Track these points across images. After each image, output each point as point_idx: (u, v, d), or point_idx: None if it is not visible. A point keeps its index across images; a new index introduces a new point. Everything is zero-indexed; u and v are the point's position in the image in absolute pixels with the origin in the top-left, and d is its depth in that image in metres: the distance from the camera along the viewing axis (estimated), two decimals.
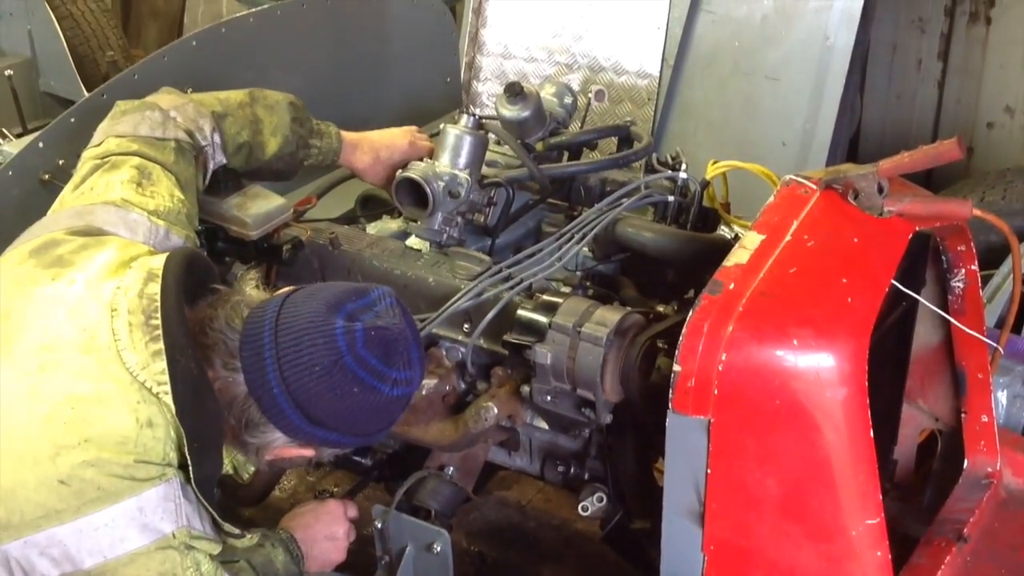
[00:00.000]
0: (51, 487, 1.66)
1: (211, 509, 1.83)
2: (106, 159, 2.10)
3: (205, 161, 2.26)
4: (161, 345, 1.74)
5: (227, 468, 2.24)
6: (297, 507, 2.32)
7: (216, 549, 1.87)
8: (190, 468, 1.76)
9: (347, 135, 2.51)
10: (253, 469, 2.30)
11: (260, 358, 1.77)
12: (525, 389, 2.19)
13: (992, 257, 2.98)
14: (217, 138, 2.26)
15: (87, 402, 1.70)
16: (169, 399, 1.72)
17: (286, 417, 1.79)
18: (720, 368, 1.83)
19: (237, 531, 1.94)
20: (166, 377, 1.73)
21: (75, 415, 1.69)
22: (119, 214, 1.99)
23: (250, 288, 1.91)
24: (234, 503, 2.93)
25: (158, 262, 1.85)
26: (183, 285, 1.82)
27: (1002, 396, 2.81)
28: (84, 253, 1.87)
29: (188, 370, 1.75)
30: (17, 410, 1.70)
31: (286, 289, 1.89)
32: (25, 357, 1.73)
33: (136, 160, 2.09)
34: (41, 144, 2.42)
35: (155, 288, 1.79)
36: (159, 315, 1.76)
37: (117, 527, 1.70)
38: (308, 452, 1.92)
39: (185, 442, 1.74)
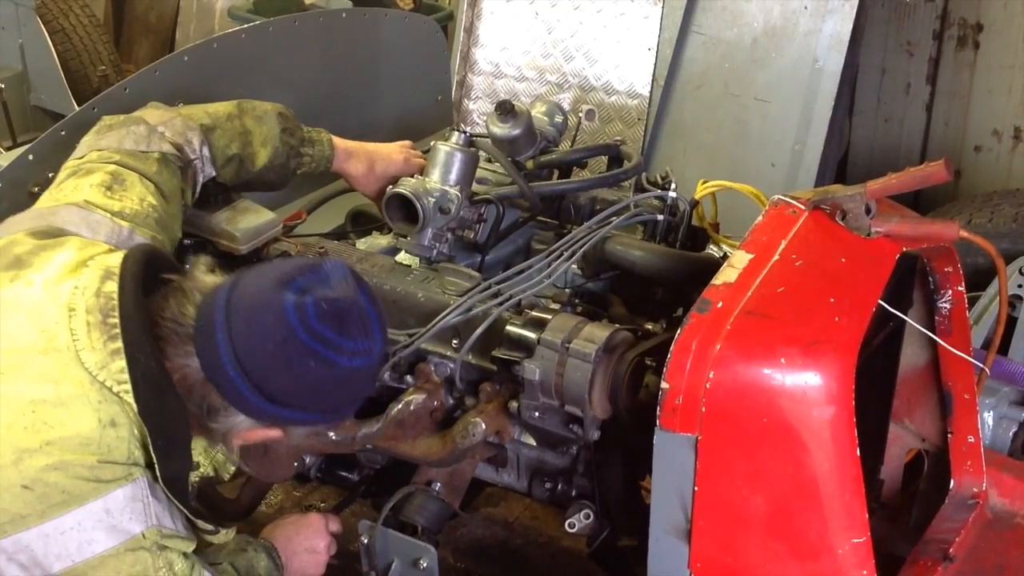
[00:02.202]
0: (15, 492, 1.65)
1: (182, 507, 1.81)
2: (83, 167, 2.09)
3: (194, 175, 2.25)
4: (120, 344, 1.72)
5: (207, 469, 2.22)
6: (279, 519, 2.30)
7: (190, 547, 1.85)
8: (156, 466, 1.74)
9: (341, 142, 2.50)
10: (234, 469, 2.28)
11: (213, 341, 1.73)
12: (513, 405, 2.19)
13: (978, 279, 3.00)
14: (206, 151, 2.26)
15: (47, 405, 1.69)
16: (130, 397, 1.71)
17: (245, 399, 1.76)
18: (708, 386, 1.83)
19: (211, 527, 1.91)
20: (126, 376, 1.71)
21: (36, 419, 1.68)
22: (81, 214, 1.98)
23: (202, 273, 1.86)
24: (221, 518, 2.93)
25: (116, 259, 1.82)
26: (141, 282, 1.79)
27: (988, 417, 2.82)
28: (43, 254, 1.85)
29: (148, 368, 1.73)
30: None
31: (238, 271, 1.85)
32: None
33: (112, 167, 2.08)
34: (31, 157, 2.41)
35: (112, 286, 1.77)
36: (117, 313, 1.74)
37: (84, 530, 1.68)
38: (275, 434, 1.88)
39: (149, 440, 1.72)
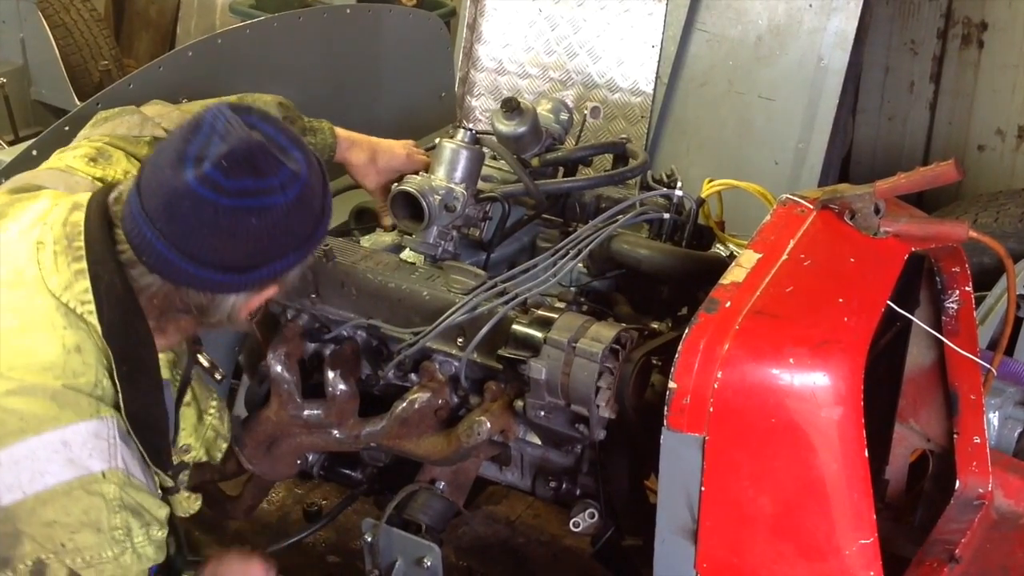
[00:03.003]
0: None
1: (144, 454, 1.74)
2: (70, 146, 2.08)
3: None
4: (83, 264, 1.69)
5: (199, 452, 2.14)
6: (219, 556, 2.16)
7: (159, 511, 1.76)
8: (120, 396, 1.69)
9: (343, 132, 2.49)
10: (225, 446, 2.22)
11: (154, 251, 1.66)
12: (518, 404, 2.18)
13: (984, 279, 2.99)
14: None
15: (12, 334, 1.66)
16: (95, 319, 1.68)
17: (220, 283, 1.70)
18: (716, 386, 1.83)
19: (171, 483, 1.85)
20: (90, 296, 1.68)
21: (2, 348, 1.65)
22: (61, 177, 1.95)
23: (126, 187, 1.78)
24: (223, 515, 2.92)
25: (84, 197, 1.79)
26: (107, 211, 1.74)
27: (994, 417, 2.81)
28: (18, 205, 1.83)
29: (112, 285, 1.69)
30: None
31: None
32: None
33: (99, 144, 2.06)
34: (35, 152, 2.40)
35: (79, 216, 1.74)
36: (82, 237, 1.71)
37: (38, 459, 1.62)
38: (271, 291, 1.80)
39: (114, 366, 1.68)
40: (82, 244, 1.71)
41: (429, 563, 2.27)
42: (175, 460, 1.94)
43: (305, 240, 1.76)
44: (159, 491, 1.82)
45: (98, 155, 2.03)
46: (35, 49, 5.45)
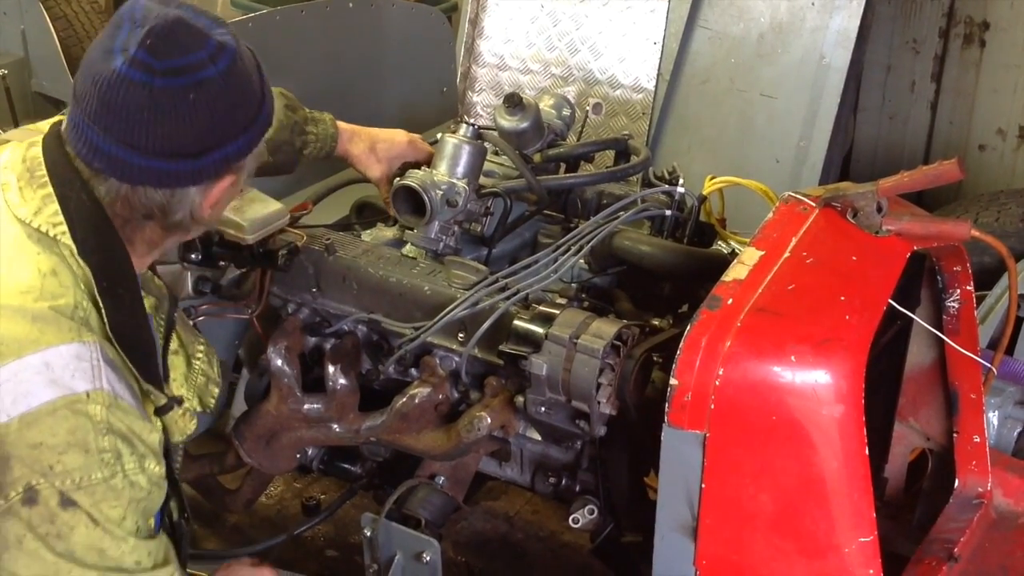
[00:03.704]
0: None
1: (134, 371, 1.73)
2: None
3: None
4: (50, 189, 1.69)
5: (193, 401, 2.11)
6: (231, 565, 2.16)
7: (150, 434, 1.73)
8: (104, 315, 1.68)
9: (344, 125, 2.50)
10: (217, 391, 2.19)
11: (103, 152, 1.65)
12: (519, 400, 2.18)
13: (985, 278, 3.00)
14: None
15: None
16: (68, 239, 1.67)
17: (174, 173, 1.67)
18: (717, 383, 1.83)
19: (163, 400, 1.82)
20: (60, 217, 1.67)
21: None
22: (29, 132, 1.93)
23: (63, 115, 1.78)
24: (222, 509, 2.93)
25: (39, 137, 1.78)
26: (62, 141, 1.73)
27: (993, 417, 2.82)
28: None
29: (81, 202, 1.68)
30: None
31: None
32: None
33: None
34: None
35: (36, 150, 1.74)
36: (43, 166, 1.71)
37: (20, 381, 1.59)
38: (228, 181, 1.78)
39: (93, 282, 1.67)
40: (44, 172, 1.71)
41: (428, 558, 2.26)
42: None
43: (251, 122, 1.75)
44: (151, 417, 1.79)
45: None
46: (36, 41, 5.44)
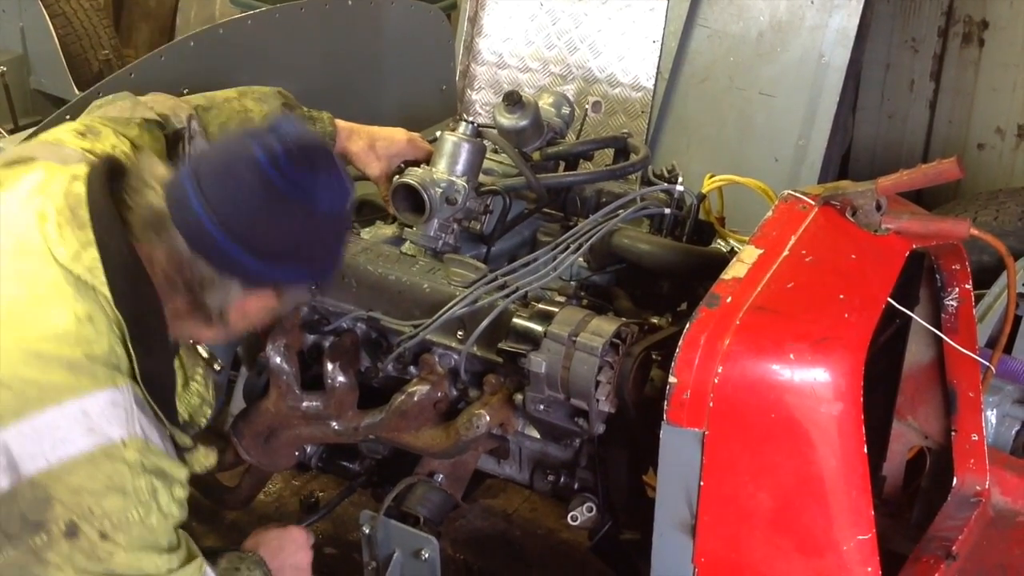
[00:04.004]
0: None
1: (161, 415, 1.77)
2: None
3: (183, 146, 2.23)
4: (91, 234, 1.71)
5: (182, 415, 2.11)
6: (260, 532, 2.23)
7: (179, 473, 1.79)
8: (134, 361, 1.71)
9: (342, 123, 2.51)
10: (210, 412, 2.22)
11: (190, 209, 1.70)
12: (518, 397, 2.18)
13: (983, 277, 3.00)
14: (195, 125, 2.24)
15: (23, 303, 1.67)
16: (105, 288, 1.69)
17: (233, 259, 1.73)
18: (716, 381, 1.83)
19: (189, 442, 1.88)
20: (99, 264, 1.70)
21: (12, 318, 1.66)
22: (52, 149, 1.96)
23: (153, 166, 1.84)
24: (220, 506, 2.92)
25: (82, 169, 1.82)
26: (107, 180, 1.78)
27: (991, 415, 2.82)
28: (12, 175, 1.84)
29: (120, 253, 1.71)
30: None
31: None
32: None
33: (89, 121, 2.08)
34: None
35: (80, 187, 1.76)
36: (86, 207, 1.73)
37: (59, 428, 1.64)
38: (271, 301, 1.85)
39: (126, 331, 1.70)
40: (86, 213, 1.73)
41: (427, 555, 2.27)
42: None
43: (320, 261, 1.85)
44: (175, 452, 1.84)
45: (87, 130, 2.04)
46: (35, 38, 5.44)
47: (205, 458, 1.95)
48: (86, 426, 1.65)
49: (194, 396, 2.14)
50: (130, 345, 1.71)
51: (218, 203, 1.70)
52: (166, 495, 1.75)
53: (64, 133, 2.02)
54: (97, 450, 1.66)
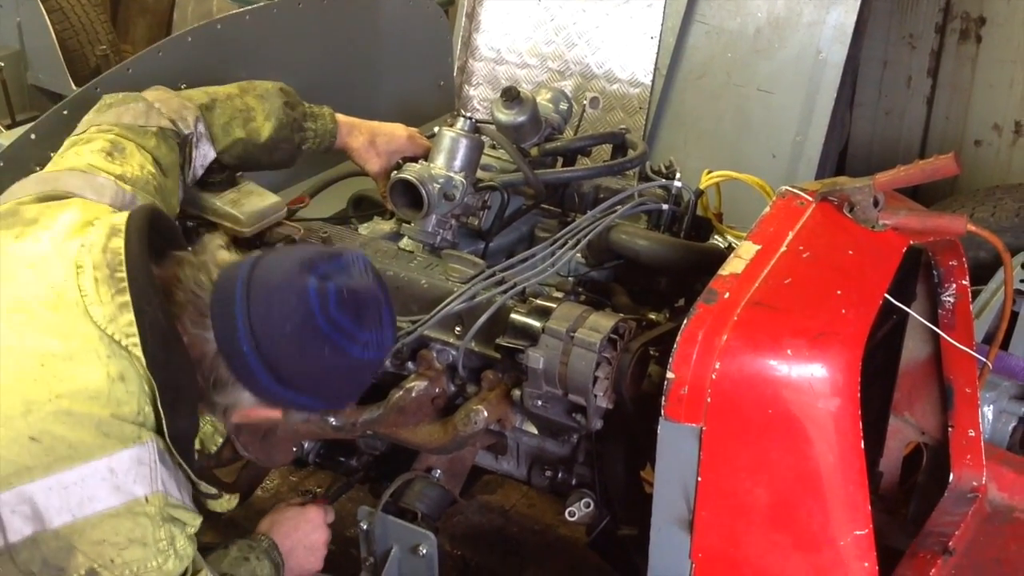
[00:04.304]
0: (22, 444, 1.64)
1: (188, 469, 1.81)
2: (82, 138, 2.11)
3: (191, 151, 2.26)
4: (128, 297, 1.72)
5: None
6: (277, 510, 2.29)
7: (196, 521, 1.84)
8: (164, 423, 1.73)
9: (343, 118, 2.51)
10: (220, 441, 2.26)
11: (231, 314, 1.74)
12: (516, 393, 2.18)
13: (980, 273, 3.00)
14: (201, 127, 2.27)
15: (57, 358, 1.68)
16: (139, 351, 1.71)
17: (254, 376, 1.76)
18: (713, 376, 1.83)
19: (214, 490, 1.92)
20: (134, 328, 1.71)
21: (45, 371, 1.67)
22: (85, 178, 1.99)
23: (216, 248, 1.87)
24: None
25: (120, 218, 1.83)
26: (147, 239, 1.80)
27: (988, 411, 2.82)
28: (48, 212, 1.86)
29: (156, 320, 1.73)
30: None
31: (257, 252, 1.86)
32: None
33: (112, 136, 2.10)
34: (33, 136, 2.40)
35: (119, 243, 1.77)
36: (124, 268, 1.74)
37: (87, 486, 1.67)
38: (275, 414, 1.89)
39: (158, 395, 1.72)
40: (124, 275, 1.74)
41: (425, 551, 2.27)
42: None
43: (337, 399, 1.92)
44: (192, 499, 1.88)
45: (113, 148, 2.07)
46: (32, 33, 5.43)
47: (228, 503, 1.99)
48: (112, 484, 1.69)
49: (207, 424, 2.18)
50: (160, 407, 1.73)
51: (258, 321, 1.73)
52: (182, 539, 1.80)
53: (93, 155, 2.04)
54: (122, 507, 1.70)
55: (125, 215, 1.84)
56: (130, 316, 1.72)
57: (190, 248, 1.88)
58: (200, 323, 1.77)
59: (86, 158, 2.04)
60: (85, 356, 1.70)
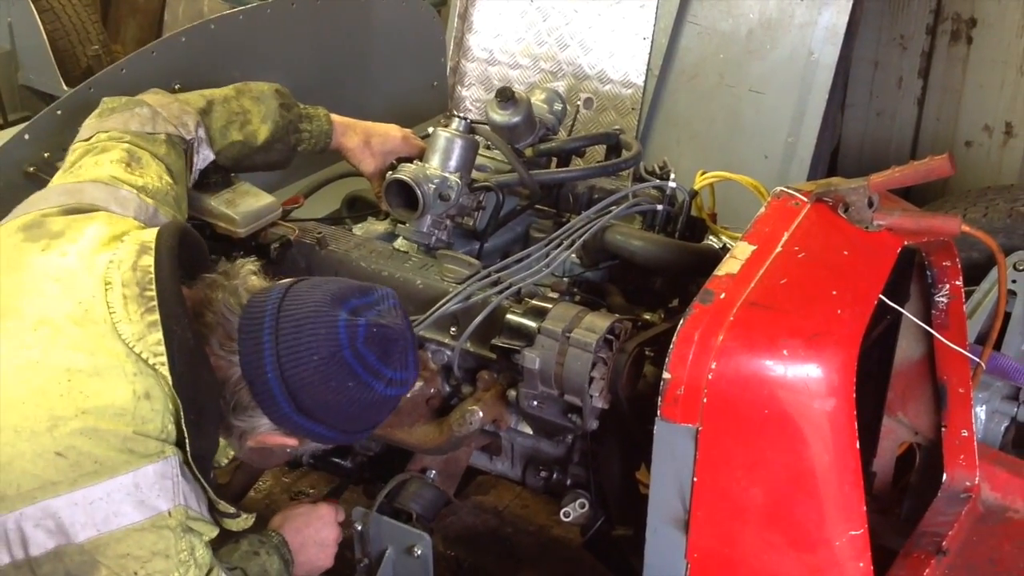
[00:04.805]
0: (48, 459, 1.65)
1: (207, 487, 1.83)
2: (95, 146, 2.11)
3: (192, 156, 2.26)
4: (157, 316, 1.73)
5: None
6: (289, 508, 2.30)
7: (213, 532, 1.86)
8: (187, 442, 1.75)
9: (338, 119, 2.51)
10: (232, 454, 2.28)
11: (258, 342, 1.76)
12: (511, 394, 2.18)
13: (972, 273, 3.01)
14: (202, 132, 2.27)
15: (84, 374, 1.69)
16: (166, 370, 1.72)
17: (276, 404, 1.79)
18: (710, 377, 1.83)
19: (232, 510, 1.92)
20: (162, 348, 1.72)
21: (72, 387, 1.68)
22: (109, 190, 1.99)
23: (248, 273, 1.89)
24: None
25: (150, 235, 1.84)
26: (176, 258, 1.82)
27: (981, 411, 2.83)
28: (74, 225, 1.87)
29: (184, 340, 1.74)
30: (13, 383, 1.68)
31: (289, 279, 1.88)
32: (20, 331, 1.72)
33: (126, 145, 2.11)
34: (27, 136, 2.39)
35: (148, 260, 1.79)
36: (154, 287, 1.75)
37: (112, 501, 1.68)
38: (292, 442, 1.91)
39: (182, 414, 1.73)
40: (154, 294, 1.75)
41: (419, 552, 2.27)
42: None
43: (354, 432, 1.93)
44: (209, 512, 1.89)
45: (130, 159, 2.08)
46: (23, 34, 5.42)
47: (245, 522, 1.99)
48: (137, 499, 1.70)
49: (221, 440, 2.16)
50: (184, 426, 1.75)
51: (284, 351, 1.76)
52: (201, 548, 1.82)
53: (112, 165, 2.05)
54: (147, 521, 1.72)
55: (154, 231, 1.85)
56: (158, 335, 1.73)
57: (220, 269, 1.90)
58: (227, 346, 1.79)
59: (107, 169, 2.04)
60: (111, 373, 1.71)
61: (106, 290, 1.75)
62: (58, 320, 1.73)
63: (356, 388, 1.79)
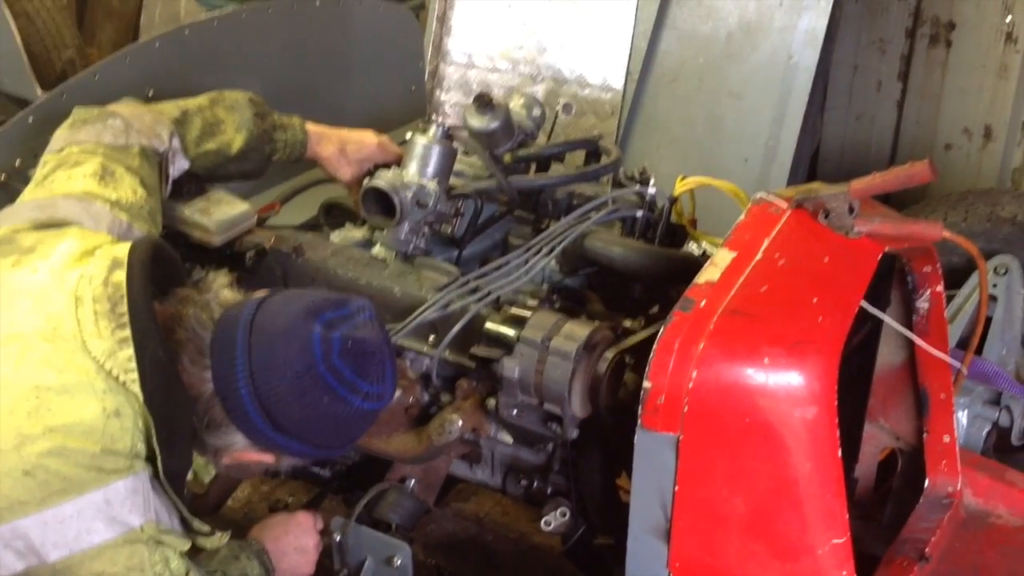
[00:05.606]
0: (15, 478, 1.63)
1: (180, 504, 1.81)
2: (68, 159, 2.08)
3: (166, 167, 2.24)
4: (128, 333, 1.71)
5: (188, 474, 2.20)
6: (268, 518, 2.29)
7: (185, 546, 1.84)
8: (158, 459, 1.73)
9: (313, 127, 2.49)
10: (214, 472, 2.27)
11: (231, 358, 1.74)
12: (491, 402, 2.17)
13: (952, 278, 3.01)
14: (176, 143, 2.25)
15: (52, 391, 1.67)
16: (136, 387, 1.70)
17: (250, 420, 1.77)
18: (690, 385, 1.82)
19: (207, 528, 1.91)
20: (133, 364, 1.70)
21: (39, 404, 1.66)
22: (81, 205, 1.97)
23: (221, 287, 1.87)
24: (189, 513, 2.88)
25: (122, 250, 1.82)
26: (149, 274, 1.79)
27: (963, 416, 2.82)
28: (46, 241, 1.85)
29: (156, 357, 1.72)
30: None
31: (263, 292, 1.86)
32: None
33: (99, 158, 2.08)
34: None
35: (120, 276, 1.76)
36: (125, 303, 1.73)
37: (83, 519, 1.67)
38: (268, 458, 1.90)
39: (153, 432, 1.71)
40: (126, 311, 1.73)
41: (399, 562, 2.25)
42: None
43: (331, 447, 1.93)
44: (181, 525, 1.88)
45: (103, 172, 2.05)
46: None
47: (219, 540, 1.98)
48: (108, 515, 1.69)
49: (199, 456, 2.15)
50: (156, 444, 1.73)
51: (258, 365, 1.73)
52: (175, 559, 1.81)
53: (86, 179, 2.02)
54: (119, 538, 1.71)
55: (127, 246, 1.83)
56: (129, 352, 1.70)
57: (193, 283, 1.88)
58: (199, 362, 1.76)
59: (79, 183, 2.02)
60: (81, 390, 1.68)
61: (76, 306, 1.73)
62: (28, 336, 1.70)
63: (332, 403, 1.77)
